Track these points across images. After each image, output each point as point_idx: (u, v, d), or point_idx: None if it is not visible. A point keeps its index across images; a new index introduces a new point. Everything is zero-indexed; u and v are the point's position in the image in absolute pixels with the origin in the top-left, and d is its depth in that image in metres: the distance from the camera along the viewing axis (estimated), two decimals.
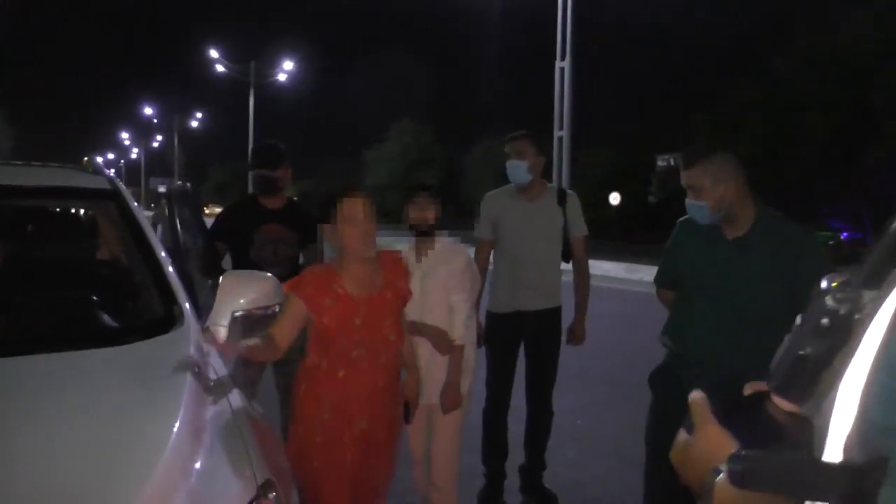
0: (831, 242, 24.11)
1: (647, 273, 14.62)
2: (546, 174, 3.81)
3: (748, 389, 0.87)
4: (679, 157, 2.65)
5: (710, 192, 2.43)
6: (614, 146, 37.84)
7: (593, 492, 3.92)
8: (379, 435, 2.52)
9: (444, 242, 3.08)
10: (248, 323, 2.34)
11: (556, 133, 18.78)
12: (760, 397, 0.80)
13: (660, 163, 30.15)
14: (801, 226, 2.56)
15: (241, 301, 2.32)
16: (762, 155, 23.77)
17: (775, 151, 23.69)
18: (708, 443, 0.80)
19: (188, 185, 3.17)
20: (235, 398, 1.90)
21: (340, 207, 2.40)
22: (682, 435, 0.85)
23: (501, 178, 3.81)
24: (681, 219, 2.70)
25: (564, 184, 18.34)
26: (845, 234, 25.25)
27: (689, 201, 2.52)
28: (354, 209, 2.40)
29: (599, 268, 17.02)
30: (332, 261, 2.55)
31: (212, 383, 1.93)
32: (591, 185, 33.56)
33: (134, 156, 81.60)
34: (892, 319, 0.66)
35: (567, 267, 3.73)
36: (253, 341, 2.22)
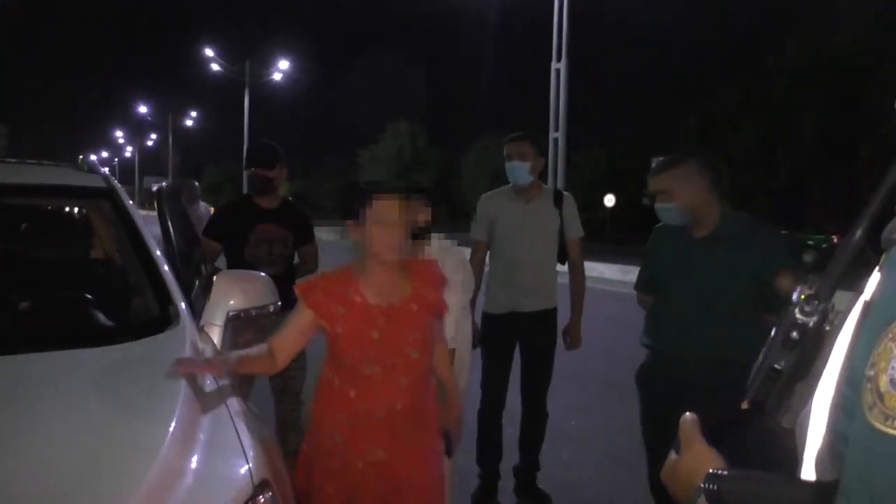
0: (824, 245, 24.20)
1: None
2: (541, 176, 3.81)
3: (746, 404, 0.87)
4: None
5: (677, 195, 2.59)
6: (609, 148, 37.92)
7: (587, 493, 3.93)
8: (403, 470, 2.17)
9: (437, 244, 3.07)
10: (242, 323, 2.35)
11: (552, 134, 18.78)
12: (752, 410, 0.80)
13: (654, 164, 30.21)
14: (764, 223, 2.71)
15: (235, 301, 2.33)
16: (756, 156, 23.87)
17: (768, 153, 23.79)
18: (694, 461, 0.81)
19: (167, 183, 3.16)
20: (231, 397, 1.90)
21: (373, 206, 2.12)
22: (672, 456, 0.86)
23: (497, 180, 3.81)
24: (657, 225, 2.85)
25: (559, 185, 18.38)
26: (837, 237, 25.33)
27: (657, 205, 2.67)
28: (389, 211, 2.12)
29: (594, 269, 17.05)
30: (352, 263, 2.24)
31: (207, 383, 1.92)
32: (586, 187, 33.62)
33: (128, 154, 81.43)
34: (853, 331, 0.67)
35: (562, 268, 3.74)
36: (246, 352, 2.11)
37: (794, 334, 0.72)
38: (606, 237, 29.34)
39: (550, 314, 3.67)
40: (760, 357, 0.76)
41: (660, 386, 2.70)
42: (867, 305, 0.68)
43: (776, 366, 0.73)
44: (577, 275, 3.80)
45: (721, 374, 2.44)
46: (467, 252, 3.58)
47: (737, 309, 2.51)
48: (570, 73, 18.16)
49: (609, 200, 29.80)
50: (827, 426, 0.67)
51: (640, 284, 2.98)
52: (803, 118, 22.84)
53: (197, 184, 8.15)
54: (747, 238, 2.56)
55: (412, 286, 2.23)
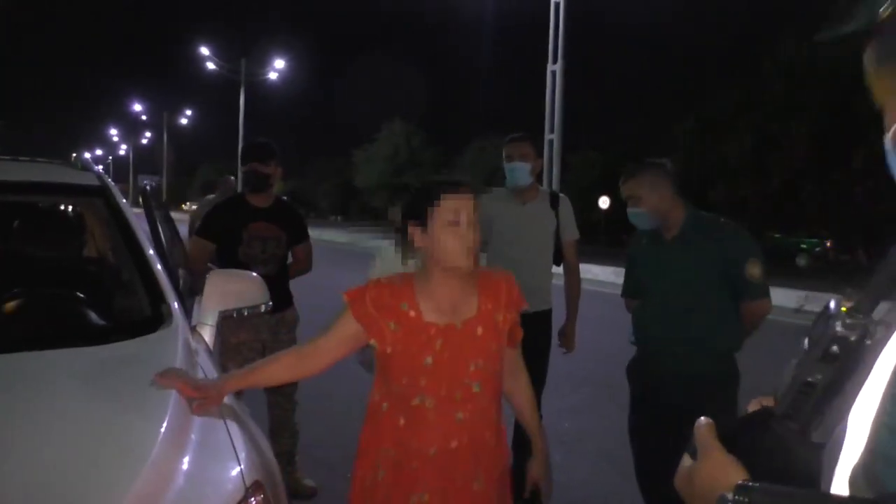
0: (817, 249, 24.27)
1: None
2: (537, 178, 3.81)
3: (753, 405, 0.86)
4: (668, 162, 2.93)
5: (647, 200, 2.77)
6: (604, 150, 37.96)
7: (579, 494, 3.92)
8: None
9: None
10: (236, 323, 2.33)
11: (547, 136, 18.80)
12: (765, 415, 0.78)
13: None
14: (726, 218, 2.85)
15: (227, 301, 2.32)
16: (750, 160, 23.92)
17: (763, 157, 23.85)
18: (713, 470, 0.78)
19: (152, 183, 3.15)
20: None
21: (441, 206, 1.82)
22: (686, 461, 0.84)
23: (493, 181, 3.81)
24: (632, 235, 3.05)
25: (554, 187, 18.40)
26: (831, 241, 25.40)
27: (629, 210, 2.83)
28: (460, 210, 1.82)
29: (588, 271, 17.06)
30: (415, 272, 1.93)
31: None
32: (581, 189, 33.63)
33: (122, 152, 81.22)
34: None
35: (557, 270, 3.73)
36: (257, 365, 1.95)
37: (835, 348, 0.69)
38: (601, 239, 29.37)
39: (546, 315, 3.67)
40: (791, 368, 0.74)
41: (647, 377, 2.88)
42: None
43: (810, 379, 0.71)
44: (573, 277, 3.79)
45: (702, 363, 2.70)
46: None
47: (710, 300, 2.70)
48: (567, 75, 18.18)
49: (604, 202, 29.84)
50: (866, 445, 0.64)
51: (626, 290, 3.13)
52: (798, 122, 22.90)
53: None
54: (712, 234, 2.74)
55: (479, 305, 1.91)
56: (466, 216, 1.82)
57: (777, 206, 24.26)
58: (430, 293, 1.87)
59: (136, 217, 2.62)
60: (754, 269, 2.65)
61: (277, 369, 1.93)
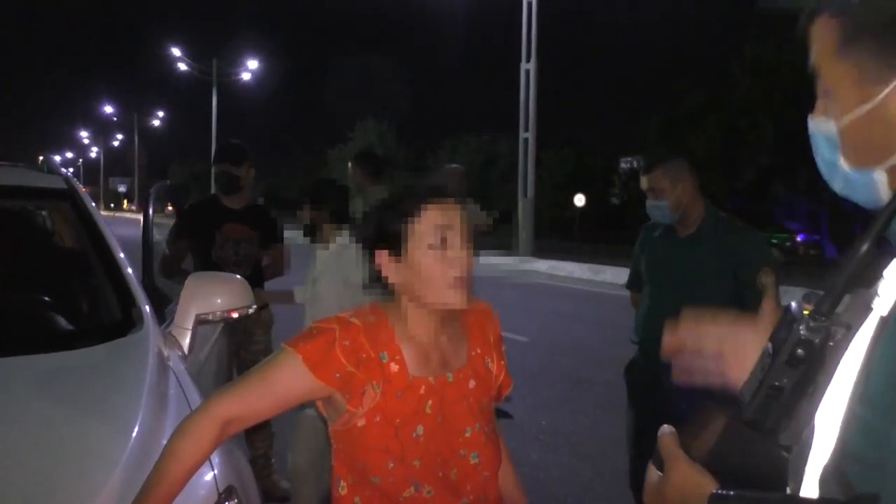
0: (788, 244, 24.68)
1: (611, 274, 14.82)
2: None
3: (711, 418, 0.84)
4: (641, 159, 2.83)
5: (670, 193, 2.63)
6: (577, 147, 38.21)
7: (556, 491, 3.95)
8: None
9: (340, 243, 3.06)
10: (222, 329, 2.27)
11: (522, 135, 18.90)
12: (729, 421, 0.77)
13: (623, 164, 30.52)
14: (745, 223, 2.76)
15: (206, 304, 2.28)
16: (718, 157, 24.25)
17: (731, 153, 24.20)
18: (683, 481, 0.77)
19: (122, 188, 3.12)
20: (196, 402, 1.86)
21: (421, 222, 1.32)
22: (653, 473, 0.83)
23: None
24: (645, 224, 2.91)
25: (529, 185, 18.48)
26: (801, 235, 25.86)
27: (649, 203, 2.71)
28: (449, 226, 1.33)
29: (563, 268, 17.21)
30: (384, 307, 1.40)
31: (171, 387, 1.88)
32: (555, 186, 33.83)
33: (93, 154, 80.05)
34: (867, 350, 0.65)
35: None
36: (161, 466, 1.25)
37: (800, 351, 0.70)
38: (575, 236, 29.58)
39: None
40: (758, 374, 0.74)
41: (643, 378, 2.79)
42: (884, 321, 0.65)
43: (777, 383, 0.71)
44: None
45: None
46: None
47: (717, 305, 2.55)
48: (540, 74, 18.27)
49: (579, 200, 30.06)
50: (835, 446, 0.65)
51: (630, 283, 3.03)
52: (765, 118, 23.28)
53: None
54: (727, 237, 2.63)
55: (468, 349, 1.46)
56: (458, 233, 1.33)
57: (746, 202, 24.63)
58: (413, 337, 1.37)
59: (111, 220, 2.58)
60: (767, 278, 2.52)
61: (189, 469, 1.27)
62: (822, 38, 0.74)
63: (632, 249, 3.07)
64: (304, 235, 3.11)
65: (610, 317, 4.39)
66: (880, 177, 0.71)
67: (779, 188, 23.62)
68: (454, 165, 3.68)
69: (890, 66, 0.67)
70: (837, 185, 0.76)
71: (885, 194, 0.71)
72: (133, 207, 68.79)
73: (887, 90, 0.68)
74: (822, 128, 0.76)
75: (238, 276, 2.48)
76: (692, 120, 25.70)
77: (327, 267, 3.00)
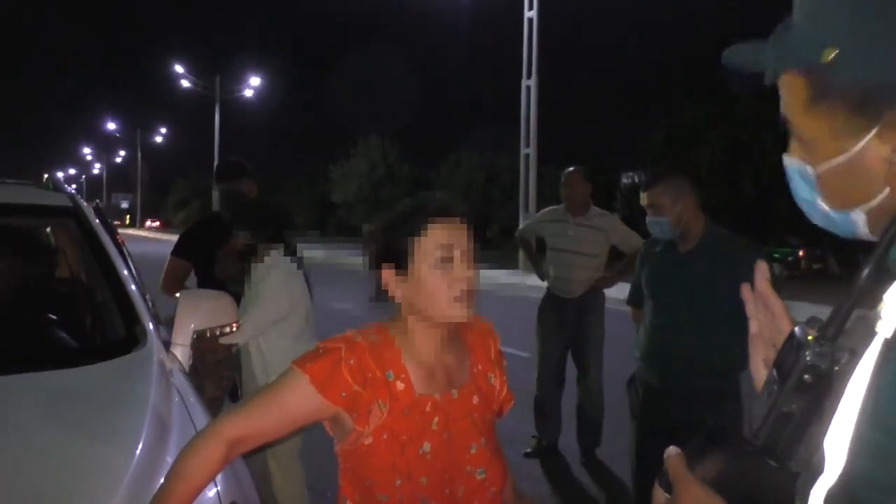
0: (790, 258, 24.63)
1: (612, 289, 14.71)
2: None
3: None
4: (643, 175, 2.83)
5: (670, 210, 2.64)
6: (579, 163, 38.28)
7: (556, 502, 3.93)
8: None
9: (275, 257, 3.09)
10: (212, 344, 2.32)
11: (523, 150, 18.95)
12: (736, 443, 0.77)
13: (624, 180, 30.53)
14: (746, 239, 2.77)
15: (200, 320, 2.32)
16: (720, 171, 24.28)
17: (733, 167, 24.23)
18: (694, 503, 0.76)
19: (97, 202, 3.11)
20: (199, 418, 1.87)
21: (426, 238, 1.36)
22: (660, 495, 0.82)
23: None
24: (645, 240, 2.92)
25: (531, 201, 18.49)
26: (803, 250, 25.81)
27: (650, 219, 2.72)
28: (456, 242, 1.37)
29: None
30: (388, 327, 1.44)
31: (175, 403, 1.89)
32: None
33: (96, 171, 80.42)
34: (873, 373, 0.65)
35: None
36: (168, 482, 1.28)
37: (808, 377, 0.70)
38: None
39: None
40: (767, 400, 0.74)
41: (646, 392, 2.79)
42: (888, 344, 0.64)
43: (786, 409, 0.72)
44: None
45: (702, 383, 2.59)
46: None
47: (713, 319, 2.56)
48: (541, 90, 18.34)
49: None
50: (843, 469, 0.64)
51: (631, 299, 3.03)
52: (767, 132, 23.32)
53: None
54: (727, 252, 2.63)
55: (470, 364, 1.49)
56: (464, 250, 1.37)
57: (748, 216, 24.62)
58: (417, 355, 1.40)
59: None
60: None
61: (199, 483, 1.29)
62: (792, 93, 0.75)
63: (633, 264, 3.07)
64: (241, 261, 3.13)
65: (611, 332, 4.36)
66: (859, 217, 0.73)
67: (780, 202, 23.61)
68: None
69: (864, 117, 0.68)
70: (817, 221, 0.78)
71: (864, 231, 0.73)
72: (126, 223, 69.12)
73: (863, 143, 0.69)
74: (798, 171, 0.78)
75: (225, 294, 2.53)
76: (694, 133, 25.76)
77: (254, 285, 3.07)
